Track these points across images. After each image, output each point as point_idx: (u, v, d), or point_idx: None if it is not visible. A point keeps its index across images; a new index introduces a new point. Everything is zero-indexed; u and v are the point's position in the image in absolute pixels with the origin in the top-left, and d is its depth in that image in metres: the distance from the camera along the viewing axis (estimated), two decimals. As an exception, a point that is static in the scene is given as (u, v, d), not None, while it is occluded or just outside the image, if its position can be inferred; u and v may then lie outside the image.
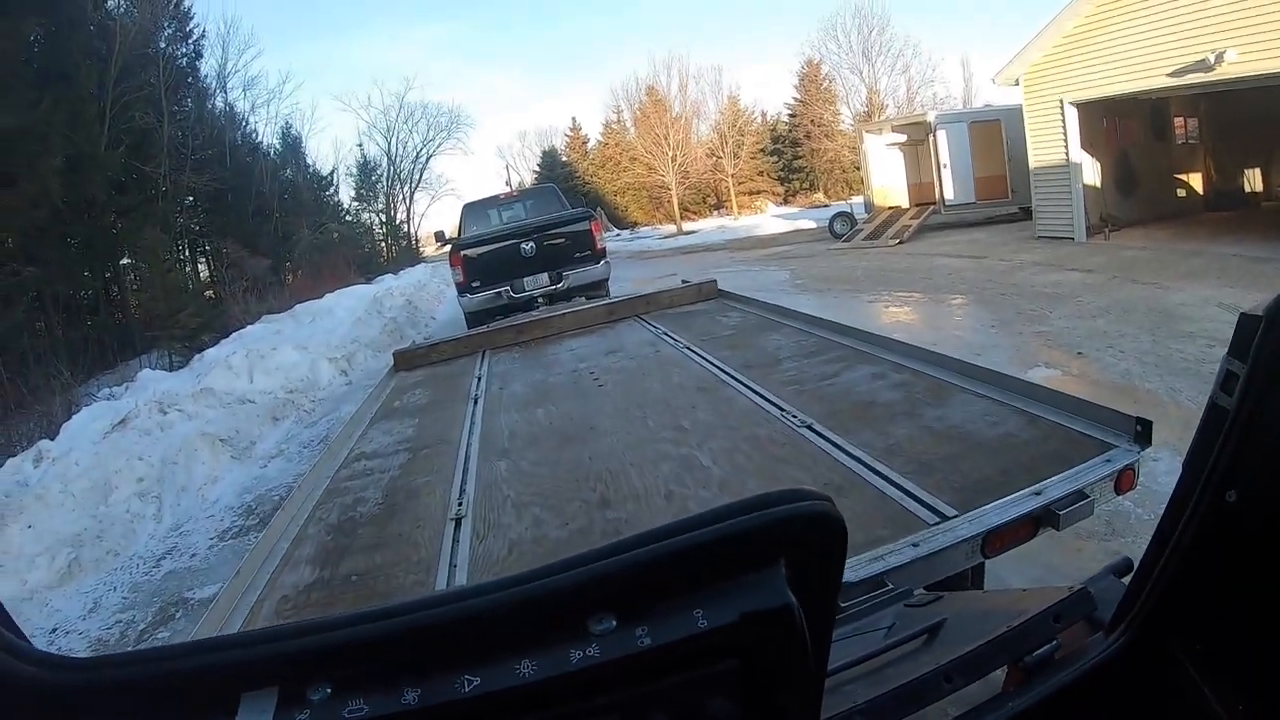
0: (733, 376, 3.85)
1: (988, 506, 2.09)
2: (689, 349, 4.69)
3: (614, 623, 0.64)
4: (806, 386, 3.46)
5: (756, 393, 3.48)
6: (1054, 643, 0.94)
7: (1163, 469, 4.40)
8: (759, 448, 2.83)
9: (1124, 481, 2.19)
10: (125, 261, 23.24)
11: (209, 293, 25.12)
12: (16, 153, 15.53)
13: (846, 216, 23.05)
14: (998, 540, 2.05)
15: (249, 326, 16.03)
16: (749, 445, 2.87)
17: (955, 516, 2.08)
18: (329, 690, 0.61)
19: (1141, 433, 2.26)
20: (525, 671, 0.62)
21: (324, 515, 3.08)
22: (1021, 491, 2.12)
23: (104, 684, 0.65)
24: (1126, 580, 0.95)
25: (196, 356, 14.35)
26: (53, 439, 8.66)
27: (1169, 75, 12.42)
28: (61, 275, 19.37)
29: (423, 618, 0.64)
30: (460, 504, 2.84)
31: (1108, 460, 2.21)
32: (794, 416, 3.03)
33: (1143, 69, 12.97)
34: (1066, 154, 15.05)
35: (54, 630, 5.29)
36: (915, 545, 1.98)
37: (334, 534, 2.88)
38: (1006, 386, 2.89)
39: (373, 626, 0.64)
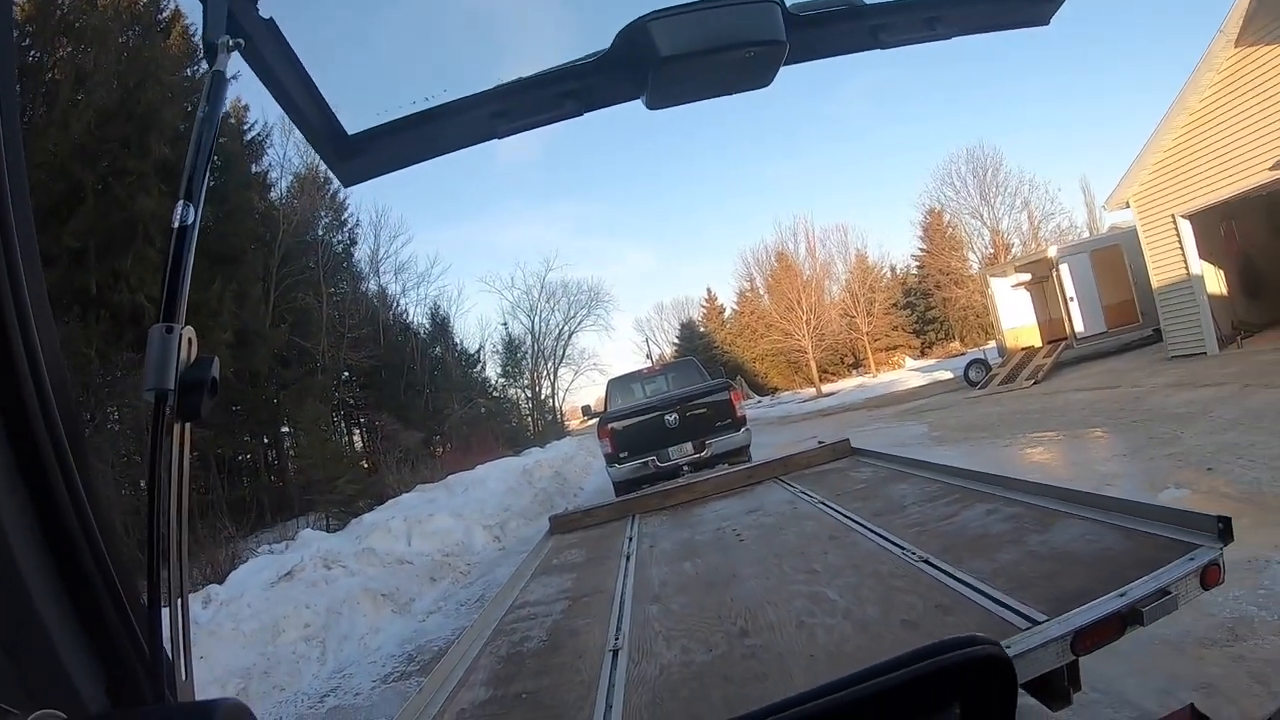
0: (861, 524, 4.10)
1: (1076, 610, 2.28)
2: (823, 503, 4.94)
3: None
4: (927, 527, 3.69)
5: (882, 536, 3.73)
6: None
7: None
8: (881, 582, 3.09)
9: (1209, 577, 2.33)
10: (285, 429, 25.03)
11: (364, 462, 26.52)
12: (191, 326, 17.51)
13: (980, 363, 23.10)
14: (1087, 639, 2.23)
15: (405, 495, 16.84)
16: (872, 581, 3.14)
17: (1046, 621, 2.29)
18: None
19: (1224, 530, 2.40)
20: None
21: (494, 650, 3.48)
22: (1109, 595, 2.30)
23: None
24: None
25: (354, 521, 15.16)
26: (221, 584, 9.42)
27: (1270, 169, 12.44)
28: (226, 439, 21.16)
29: None
30: (617, 639, 3.17)
31: (1190, 559, 2.37)
32: (913, 553, 3.28)
33: (1243, 168, 13.06)
34: (1186, 268, 14.94)
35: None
36: (1008, 647, 2.17)
37: (504, 663, 3.26)
38: (1105, 506, 3.07)
39: None
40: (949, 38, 1.62)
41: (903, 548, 3.42)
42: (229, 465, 22.16)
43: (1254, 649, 3.82)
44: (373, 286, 34.76)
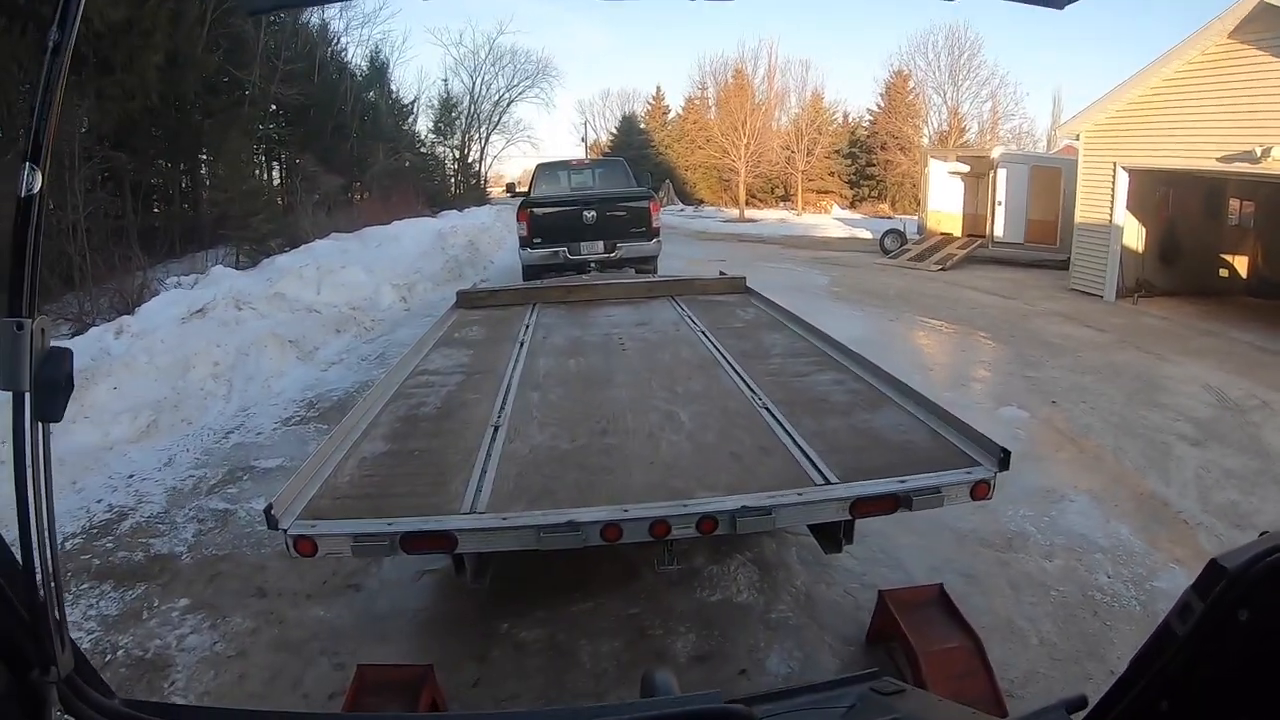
0: (728, 361, 4.69)
1: (862, 482, 2.87)
2: (704, 332, 5.51)
3: None
4: (780, 378, 4.28)
5: (741, 376, 4.33)
6: None
7: (1077, 509, 5.27)
8: (725, 416, 3.70)
9: (978, 491, 2.90)
10: (203, 158, 23.98)
11: (280, 200, 25.91)
12: (120, 45, 16.22)
13: (898, 234, 23.45)
14: (864, 507, 2.82)
15: (319, 241, 16.87)
16: (718, 412, 3.75)
17: (836, 484, 2.89)
18: None
19: (1004, 460, 2.95)
20: None
21: (395, 410, 4.01)
22: (893, 478, 2.88)
23: None
24: (1078, 716, 0.96)
25: (266, 260, 15.25)
26: (132, 315, 9.54)
27: (1218, 160, 12.78)
28: (145, 164, 20.23)
29: None
30: (499, 416, 3.76)
31: (968, 472, 2.94)
32: (759, 398, 3.89)
33: (1194, 149, 13.32)
34: (1111, 215, 15.36)
35: (131, 476, 6.00)
36: (799, 494, 2.81)
37: (402, 423, 3.82)
38: (928, 408, 3.63)
39: None
40: None
41: (754, 391, 4.03)
42: (144, 190, 21.31)
43: (1019, 560, 4.58)
44: (314, 20, 32.47)
